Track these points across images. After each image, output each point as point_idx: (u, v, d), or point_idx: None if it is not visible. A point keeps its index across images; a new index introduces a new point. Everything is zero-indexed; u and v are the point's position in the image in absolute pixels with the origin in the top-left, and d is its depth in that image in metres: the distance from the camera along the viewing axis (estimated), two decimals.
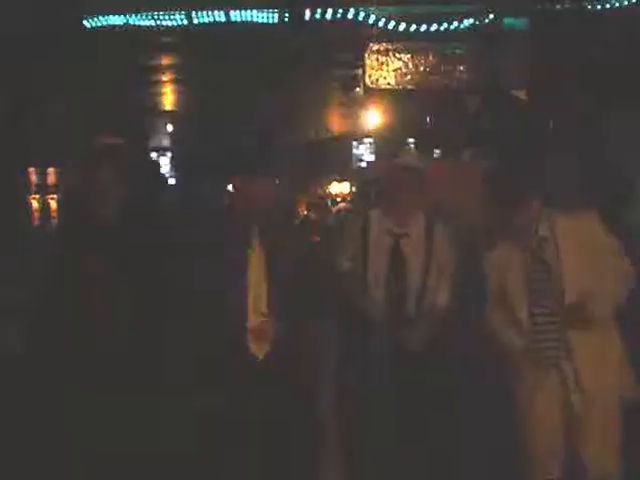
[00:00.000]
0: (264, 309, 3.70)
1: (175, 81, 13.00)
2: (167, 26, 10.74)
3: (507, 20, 9.96)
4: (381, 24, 10.53)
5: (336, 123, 15.96)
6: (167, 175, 16.63)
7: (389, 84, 10.75)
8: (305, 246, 7.98)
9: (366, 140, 16.94)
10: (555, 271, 3.35)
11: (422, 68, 10.43)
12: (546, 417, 3.40)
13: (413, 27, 10.38)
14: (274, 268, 3.73)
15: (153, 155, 16.48)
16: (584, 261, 3.30)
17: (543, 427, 3.41)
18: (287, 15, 10.96)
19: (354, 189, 16.31)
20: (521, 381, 3.48)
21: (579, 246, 3.32)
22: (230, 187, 3.87)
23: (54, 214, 11.62)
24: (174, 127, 15.57)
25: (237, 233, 3.71)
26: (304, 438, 3.98)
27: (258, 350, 3.71)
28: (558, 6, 9.55)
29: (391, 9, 10.63)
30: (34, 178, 11.35)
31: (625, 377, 3.40)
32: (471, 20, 10.16)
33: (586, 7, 9.56)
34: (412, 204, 4.01)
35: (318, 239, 8.85)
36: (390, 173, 4.11)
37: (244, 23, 11.00)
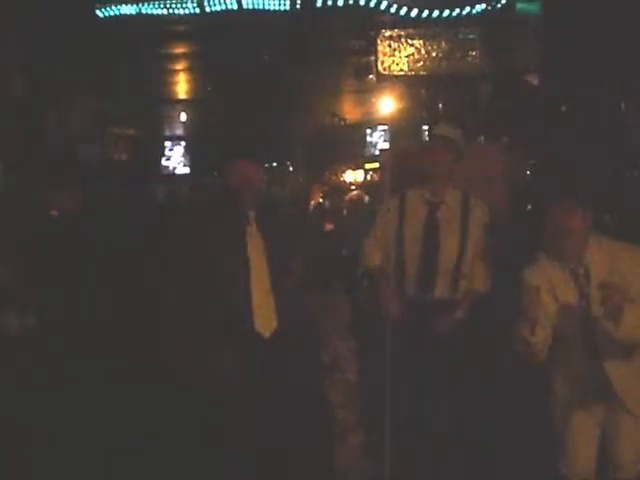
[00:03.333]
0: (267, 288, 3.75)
1: (188, 69, 13.03)
2: (179, 14, 10.78)
3: (519, 4, 9.90)
4: (393, 10, 10.49)
5: (349, 110, 15.90)
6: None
7: (402, 70, 10.72)
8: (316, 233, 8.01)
9: (380, 127, 16.87)
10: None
11: (434, 54, 10.38)
12: (581, 431, 3.38)
13: (425, 13, 10.34)
14: (274, 249, 3.78)
15: (167, 144, 16.55)
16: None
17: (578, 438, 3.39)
18: (299, 3, 10.96)
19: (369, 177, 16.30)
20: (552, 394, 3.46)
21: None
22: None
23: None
24: (188, 116, 15.59)
25: (233, 216, 3.79)
26: (313, 419, 3.98)
27: (264, 328, 3.73)
28: None
29: None
30: None
31: None
32: (483, 5, 10.10)
33: None
34: (448, 173, 4.00)
35: (331, 226, 8.88)
36: (427, 142, 4.10)
37: (256, 11, 11.00)
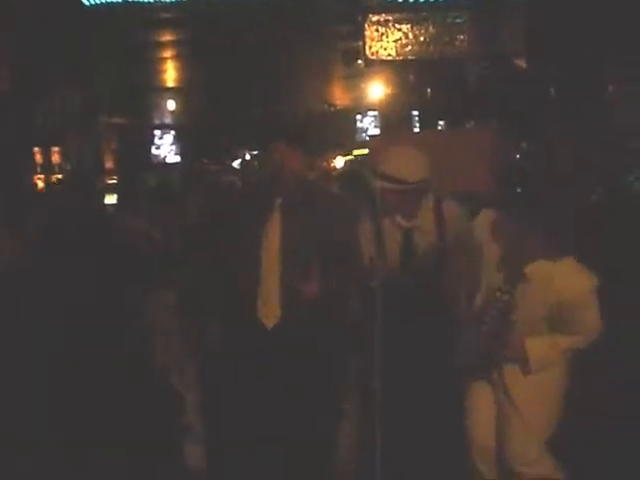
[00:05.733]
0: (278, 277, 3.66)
1: (176, 57, 12.95)
2: (165, 1, 10.70)
3: None
4: None
5: (338, 96, 15.87)
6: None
7: (390, 55, 10.68)
8: None
9: (370, 113, 16.85)
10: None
11: (422, 38, 10.35)
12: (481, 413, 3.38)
13: None
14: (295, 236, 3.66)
15: (157, 133, 16.50)
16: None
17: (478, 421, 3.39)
18: None
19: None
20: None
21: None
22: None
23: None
24: (177, 104, 15.52)
25: (258, 200, 3.73)
26: (319, 408, 3.95)
27: (268, 319, 3.68)
28: None
29: None
30: (38, 157, 11.35)
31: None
32: None
33: None
34: (413, 204, 3.83)
35: None
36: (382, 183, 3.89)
37: None
